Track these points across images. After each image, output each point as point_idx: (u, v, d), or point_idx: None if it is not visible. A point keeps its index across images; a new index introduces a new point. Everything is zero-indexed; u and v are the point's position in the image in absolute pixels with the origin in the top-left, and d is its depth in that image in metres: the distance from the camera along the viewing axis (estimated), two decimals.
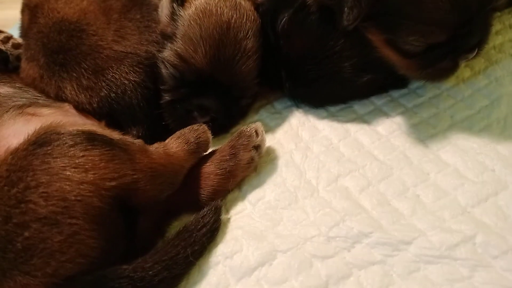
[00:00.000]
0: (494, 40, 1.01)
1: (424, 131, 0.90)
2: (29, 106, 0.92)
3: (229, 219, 0.84)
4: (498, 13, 1.08)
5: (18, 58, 1.15)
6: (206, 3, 0.96)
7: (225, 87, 0.97)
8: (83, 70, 0.98)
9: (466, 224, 0.72)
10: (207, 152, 0.91)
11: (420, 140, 0.88)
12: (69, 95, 0.99)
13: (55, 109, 0.94)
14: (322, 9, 0.90)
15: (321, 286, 0.70)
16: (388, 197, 0.80)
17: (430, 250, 0.71)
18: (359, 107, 0.99)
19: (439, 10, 0.76)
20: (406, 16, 0.79)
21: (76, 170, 0.68)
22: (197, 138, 0.87)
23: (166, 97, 0.99)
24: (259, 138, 0.89)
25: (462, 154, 0.83)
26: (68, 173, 0.67)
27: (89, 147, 0.71)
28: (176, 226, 0.85)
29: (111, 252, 0.70)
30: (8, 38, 1.21)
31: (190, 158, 0.86)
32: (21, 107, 0.90)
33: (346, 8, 0.79)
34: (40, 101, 0.98)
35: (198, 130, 0.89)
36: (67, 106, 0.98)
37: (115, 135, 0.78)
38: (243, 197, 0.87)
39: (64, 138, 0.71)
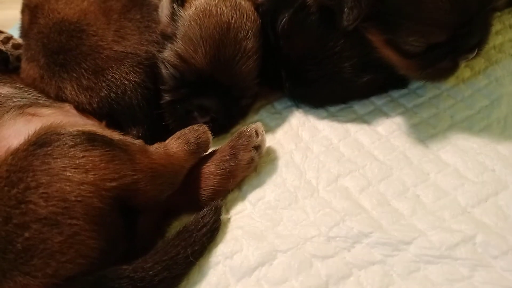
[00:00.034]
0: (494, 40, 1.01)
1: (424, 131, 0.90)
2: (30, 106, 0.92)
3: (229, 219, 0.84)
4: (498, 13, 1.07)
5: (18, 58, 1.15)
6: (206, 3, 0.96)
7: (225, 87, 0.97)
8: (83, 71, 0.98)
9: (466, 224, 0.72)
10: (207, 152, 0.90)
11: (420, 140, 0.88)
12: (69, 96, 0.99)
13: (55, 109, 0.94)
14: (322, 10, 0.90)
15: (321, 286, 0.70)
16: (388, 197, 0.80)
17: (430, 250, 0.70)
18: (359, 107, 0.99)
19: (439, 10, 0.76)
20: (406, 16, 0.79)
21: (76, 170, 0.68)
22: (197, 138, 0.87)
23: (166, 97, 0.99)
24: (259, 138, 0.89)
25: (462, 154, 0.83)
26: (68, 173, 0.67)
27: (89, 148, 0.71)
28: (176, 226, 0.85)
29: (111, 252, 0.70)
30: (8, 38, 1.21)
31: (190, 159, 0.86)
32: (21, 107, 0.90)
33: (346, 9, 0.79)
34: (41, 101, 0.98)
35: (198, 130, 0.89)
36: (67, 107, 0.98)
37: (115, 135, 0.78)
38: (243, 197, 0.87)
39: (64, 139, 0.71)
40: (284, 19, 0.95)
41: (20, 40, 1.19)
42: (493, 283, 0.66)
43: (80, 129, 0.74)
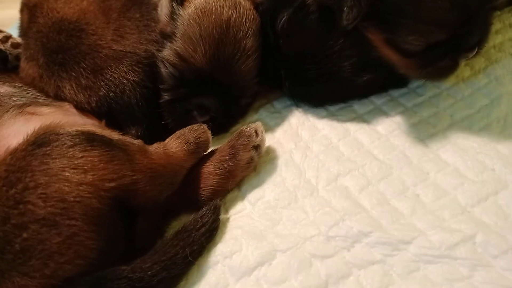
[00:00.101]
0: (494, 39, 1.01)
1: (424, 131, 0.89)
2: (29, 105, 0.92)
3: (228, 218, 0.84)
4: (498, 12, 1.07)
5: (17, 57, 1.15)
6: (205, 2, 0.96)
7: (225, 87, 0.97)
8: (82, 70, 0.98)
9: (466, 224, 0.72)
10: (206, 152, 0.90)
11: (420, 139, 0.88)
12: (68, 95, 0.99)
13: (55, 108, 0.94)
14: (321, 9, 0.90)
15: (320, 286, 0.70)
16: (388, 197, 0.80)
17: (430, 249, 0.70)
18: (359, 106, 0.99)
19: (439, 9, 0.76)
20: (405, 15, 0.79)
21: (75, 171, 0.68)
22: (197, 138, 0.87)
23: (166, 97, 0.99)
24: (258, 138, 0.89)
25: (462, 154, 0.83)
26: (67, 174, 0.67)
27: (88, 148, 0.71)
28: (175, 226, 0.85)
29: (110, 253, 0.70)
30: (7, 37, 1.21)
31: (190, 158, 0.86)
32: (21, 106, 0.90)
33: (345, 8, 0.79)
34: (40, 100, 0.98)
35: (198, 130, 0.89)
36: (67, 106, 0.98)
37: (114, 135, 0.78)
38: (242, 197, 0.87)
39: (63, 139, 0.71)
40: (284, 18, 0.95)
41: (19, 39, 1.19)
42: (493, 283, 0.66)
43: (79, 129, 0.74)
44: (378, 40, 0.86)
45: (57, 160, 0.68)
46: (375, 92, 1.00)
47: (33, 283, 0.64)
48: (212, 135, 0.90)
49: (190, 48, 0.94)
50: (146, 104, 0.99)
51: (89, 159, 0.70)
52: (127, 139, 0.79)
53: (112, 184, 0.70)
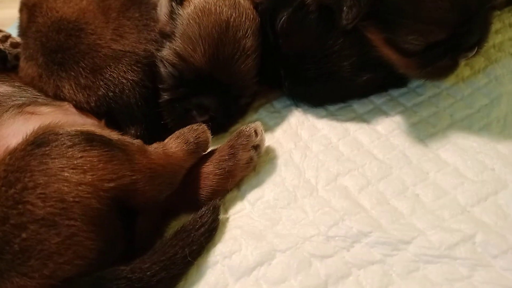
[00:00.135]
0: (494, 39, 1.01)
1: (424, 130, 0.89)
2: (29, 105, 0.92)
3: (228, 218, 0.84)
4: (498, 12, 1.07)
5: (16, 57, 1.15)
6: (205, 2, 0.96)
7: (224, 86, 0.97)
8: (81, 69, 0.98)
9: (465, 224, 0.72)
10: (206, 152, 0.90)
11: (420, 139, 0.88)
12: (67, 94, 0.99)
13: (54, 108, 0.94)
14: (321, 8, 0.90)
15: (320, 286, 0.70)
16: (388, 196, 0.80)
17: (430, 249, 0.70)
18: (359, 106, 0.99)
19: (439, 9, 0.76)
20: (405, 15, 0.79)
21: (74, 171, 0.68)
22: (197, 138, 0.87)
23: (165, 96, 0.99)
24: (258, 138, 0.89)
25: (462, 153, 0.83)
26: (66, 174, 0.67)
27: (87, 148, 0.71)
28: (174, 226, 0.85)
29: (109, 253, 0.70)
30: (7, 37, 1.21)
31: (190, 158, 0.85)
32: (20, 106, 0.90)
33: (345, 7, 0.79)
34: (40, 99, 0.98)
35: (197, 129, 0.88)
36: (66, 105, 0.98)
37: (114, 135, 0.78)
38: (242, 197, 0.87)
39: (62, 139, 0.71)
40: (283, 18, 0.95)
41: (18, 39, 1.19)
42: (492, 283, 0.66)
43: (79, 129, 0.74)
44: (378, 39, 0.86)
45: (56, 160, 0.68)
46: (375, 92, 1.00)
47: (32, 283, 0.64)
48: (211, 135, 0.90)
49: (190, 48, 0.94)
50: (145, 104, 0.99)
51: (89, 159, 0.70)
52: (127, 139, 0.79)
53: (112, 184, 0.70)
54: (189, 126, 0.90)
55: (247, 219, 0.83)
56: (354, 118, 0.97)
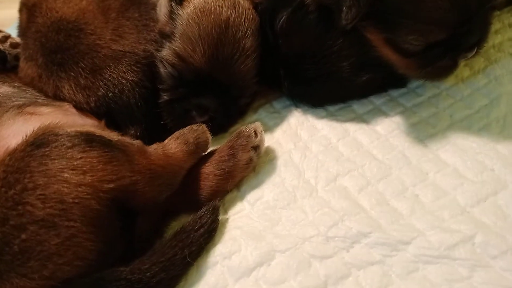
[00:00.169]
0: (494, 39, 1.01)
1: (423, 131, 0.89)
2: (29, 105, 0.91)
3: (227, 219, 0.84)
4: (498, 12, 1.07)
5: (16, 57, 1.14)
6: (204, 2, 0.96)
7: (224, 86, 0.97)
8: (80, 70, 0.98)
9: (465, 224, 0.72)
10: (206, 152, 0.90)
11: (419, 139, 0.88)
12: (67, 95, 0.99)
13: (54, 108, 0.94)
14: (320, 8, 0.90)
15: (319, 286, 0.70)
16: (387, 197, 0.80)
17: (429, 250, 0.70)
18: (358, 106, 0.99)
19: (438, 9, 0.76)
20: (405, 15, 0.78)
21: (74, 172, 0.68)
22: (196, 138, 0.87)
23: (165, 97, 0.99)
24: (258, 138, 0.89)
25: (462, 154, 0.83)
26: (66, 175, 0.67)
27: (87, 149, 0.70)
28: (174, 226, 0.85)
29: (109, 254, 0.70)
30: (6, 37, 1.21)
31: (189, 159, 0.85)
32: (20, 106, 0.90)
33: (344, 7, 0.79)
34: (39, 100, 0.97)
35: (197, 130, 0.88)
36: (66, 105, 0.98)
37: (113, 136, 0.78)
38: (241, 197, 0.87)
39: (62, 140, 0.71)
40: (283, 18, 0.95)
41: (18, 39, 1.19)
42: (492, 283, 0.66)
43: (78, 129, 0.74)
44: (377, 39, 0.86)
45: (56, 161, 0.68)
46: (375, 92, 1.00)
47: (31, 284, 0.64)
48: (211, 135, 0.90)
49: (189, 48, 0.94)
50: (145, 104, 0.99)
51: (88, 160, 0.70)
52: (126, 139, 0.79)
53: (111, 185, 0.70)
54: (189, 126, 0.90)
55: (246, 219, 0.83)
56: (354, 119, 0.97)
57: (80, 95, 0.98)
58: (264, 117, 1.05)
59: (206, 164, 0.88)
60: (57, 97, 1.00)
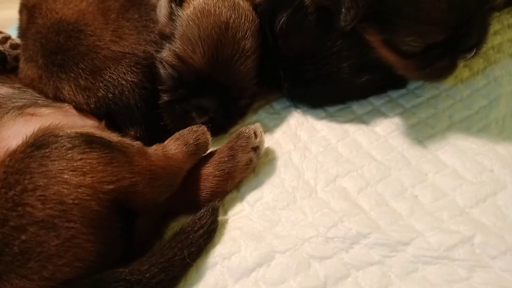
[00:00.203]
0: (493, 40, 1.01)
1: (423, 132, 0.89)
2: (29, 106, 0.92)
3: (227, 220, 0.84)
4: (497, 13, 1.07)
5: (16, 58, 1.15)
6: (204, 3, 0.96)
7: (224, 87, 0.97)
8: (80, 71, 0.98)
9: (464, 225, 0.72)
10: (205, 153, 0.90)
11: (419, 140, 0.88)
12: (67, 96, 0.99)
13: (55, 109, 0.94)
14: (320, 10, 0.90)
15: (319, 287, 0.70)
16: (386, 198, 0.80)
17: (428, 250, 0.71)
18: (358, 107, 0.99)
19: (437, 10, 0.76)
20: (403, 16, 0.79)
21: (74, 173, 0.68)
22: (196, 139, 0.87)
23: (164, 98, 0.99)
24: (257, 139, 0.89)
25: (461, 155, 0.83)
26: (65, 176, 0.67)
27: (87, 150, 0.71)
28: (173, 227, 0.85)
29: (108, 255, 0.70)
30: (6, 38, 1.21)
31: (189, 160, 0.86)
32: (21, 107, 0.90)
33: (343, 9, 0.79)
34: (40, 101, 0.97)
35: (197, 131, 0.88)
36: (67, 106, 0.98)
37: (113, 137, 0.78)
38: (241, 198, 0.87)
39: (62, 141, 0.71)
40: (282, 19, 0.95)
41: (18, 40, 1.19)
42: (491, 284, 0.66)
43: (78, 131, 0.74)
44: (376, 41, 0.86)
45: (56, 162, 0.69)
46: (374, 93, 1.00)
47: (31, 285, 0.64)
48: (211, 136, 0.90)
49: (189, 49, 0.94)
50: (145, 105, 0.99)
51: (88, 161, 0.70)
52: (126, 141, 0.79)
53: (111, 186, 0.70)
54: (189, 127, 0.90)
55: (246, 220, 0.83)
56: (353, 120, 0.97)
57: (80, 96, 0.98)
58: (264, 118, 1.05)
59: (206, 165, 0.88)
60: (57, 98, 1.00)
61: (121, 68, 0.98)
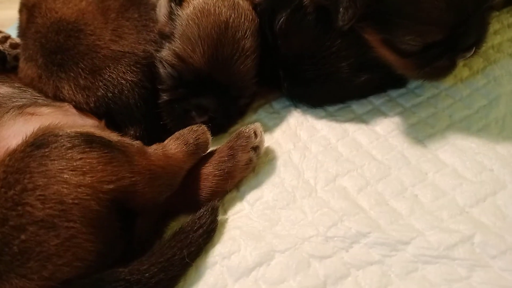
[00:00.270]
0: (493, 40, 1.01)
1: (423, 131, 0.89)
2: (29, 106, 0.91)
3: (227, 219, 0.84)
4: (497, 13, 1.07)
5: (16, 58, 1.14)
6: (204, 2, 0.96)
7: (224, 87, 0.97)
8: (80, 70, 0.98)
9: (464, 224, 0.72)
10: (205, 153, 0.90)
11: (419, 140, 0.88)
12: (67, 95, 0.99)
13: (54, 109, 0.94)
14: (318, 10, 0.90)
15: (319, 286, 0.70)
16: (386, 197, 0.80)
17: (428, 250, 0.71)
18: (357, 106, 0.99)
19: (435, 10, 0.76)
20: (402, 15, 0.79)
21: (73, 173, 0.68)
22: (196, 139, 0.87)
23: (164, 97, 0.99)
24: (257, 139, 0.89)
25: (461, 154, 0.83)
26: (65, 175, 0.67)
27: (87, 150, 0.71)
28: (173, 226, 0.85)
29: (108, 255, 0.70)
30: (6, 38, 1.21)
31: (189, 160, 0.85)
32: (21, 107, 0.90)
33: (341, 9, 0.79)
34: (40, 100, 0.97)
35: (197, 131, 0.88)
36: (66, 106, 0.98)
37: (113, 136, 0.78)
38: (241, 197, 0.87)
39: (62, 140, 0.71)
40: (282, 19, 0.95)
41: (18, 40, 1.19)
42: (491, 283, 0.66)
43: (78, 130, 0.74)
44: (375, 40, 0.86)
45: (55, 162, 0.68)
46: (373, 93, 1.00)
47: (31, 285, 0.64)
48: (210, 136, 0.90)
49: (189, 49, 0.94)
50: (145, 105, 0.99)
51: (88, 160, 0.70)
52: (126, 140, 0.79)
53: (111, 186, 0.70)
54: (189, 127, 0.90)
55: (246, 219, 0.83)
56: (353, 119, 0.97)
57: (80, 95, 0.98)
58: (263, 117, 1.05)
59: (206, 165, 0.88)
60: (57, 97, 1.00)
61: (121, 67, 0.98)
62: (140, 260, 0.70)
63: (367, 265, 0.72)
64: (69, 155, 0.69)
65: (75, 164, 0.69)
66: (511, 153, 0.82)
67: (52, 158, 0.69)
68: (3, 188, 0.67)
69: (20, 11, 1.16)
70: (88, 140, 0.72)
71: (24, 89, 1.01)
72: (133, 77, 0.98)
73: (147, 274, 0.68)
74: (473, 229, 0.71)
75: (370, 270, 0.71)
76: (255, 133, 0.89)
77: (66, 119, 0.88)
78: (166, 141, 0.86)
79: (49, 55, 1.00)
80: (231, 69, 0.95)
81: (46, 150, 0.69)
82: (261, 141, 0.90)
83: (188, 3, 0.97)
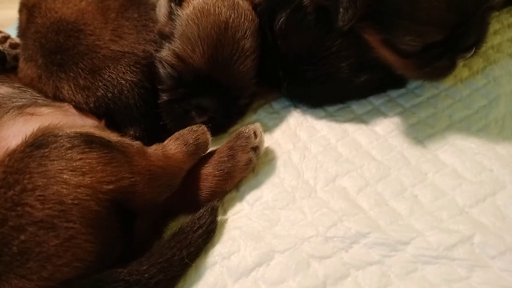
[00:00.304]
0: (493, 40, 1.01)
1: (422, 131, 0.89)
2: (29, 106, 0.92)
3: (226, 219, 0.84)
4: (497, 13, 1.07)
5: (15, 58, 1.14)
6: (204, 2, 0.96)
7: (223, 87, 0.97)
8: (80, 70, 0.98)
9: (464, 224, 0.72)
10: (205, 153, 0.90)
11: (418, 140, 0.88)
12: (67, 95, 0.99)
13: (54, 109, 0.94)
14: (318, 10, 0.90)
15: (318, 287, 0.70)
16: (386, 197, 0.80)
17: (428, 250, 0.71)
18: (357, 107, 0.99)
19: (435, 10, 0.76)
20: (402, 16, 0.79)
21: (73, 173, 0.68)
22: (196, 139, 0.87)
23: (164, 97, 0.99)
24: (257, 139, 0.89)
25: (460, 154, 0.83)
26: (65, 176, 0.67)
27: (86, 150, 0.71)
28: (173, 227, 0.85)
29: (107, 255, 0.70)
30: (6, 38, 1.21)
31: (189, 160, 0.85)
32: (20, 107, 0.90)
33: (341, 9, 0.79)
34: (39, 101, 0.97)
35: (197, 131, 0.88)
36: (66, 106, 0.98)
37: (113, 137, 0.78)
38: (240, 198, 0.87)
39: (62, 141, 0.71)
40: (282, 19, 0.95)
41: (17, 40, 1.18)
42: (491, 284, 0.66)
43: (78, 130, 0.74)
44: (375, 41, 0.86)
45: (55, 162, 0.68)
46: (373, 93, 1.00)
47: (30, 285, 0.64)
48: (210, 136, 0.90)
49: (189, 49, 0.94)
50: (144, 105, 0.99)
51: (88, 161, 0.70)
52: (126, 140, 0.79)
53: (111, 187, 0.70)
54: (189, 127, 0.89)
55: (245, 220, 0.83)
56: (353, 119, 0.97)
57: (80, 95, 0.98)
58: (263, 117, 1.05)
59: (206, 165, 0.88)
60: (57, 97, 1.00)
61: (121, 67, 0.98)
62: (140, 261, 0.71)
63: (367, 265, 0.72)
64: (69, 155, 0.69)
65: (74, 164, 0.69)
66: (510, 153, 0.82)
67: (51, 158, 0.69)
68: (2, 189, 0.67)
69: (20, 11, 1.16)
70: (87, 141, 0.72)
71: (24, 89, 1.01)
72: (132, 77, 0.98)
73: (146, 275, 0.68)
74: (473, 230, 0.71)
75: (370, 271, 0.71)
76: (254, 133, 0.89)
77: (66, 119, 0.88)
78: (166, 142, 0.86)
79: (49, 55, 1.00)
80: (231, 69, 0.95)
81: (46, 150, 0.70)
82: (261, 142, 0.90)
83: (188, 3, 0.97)
